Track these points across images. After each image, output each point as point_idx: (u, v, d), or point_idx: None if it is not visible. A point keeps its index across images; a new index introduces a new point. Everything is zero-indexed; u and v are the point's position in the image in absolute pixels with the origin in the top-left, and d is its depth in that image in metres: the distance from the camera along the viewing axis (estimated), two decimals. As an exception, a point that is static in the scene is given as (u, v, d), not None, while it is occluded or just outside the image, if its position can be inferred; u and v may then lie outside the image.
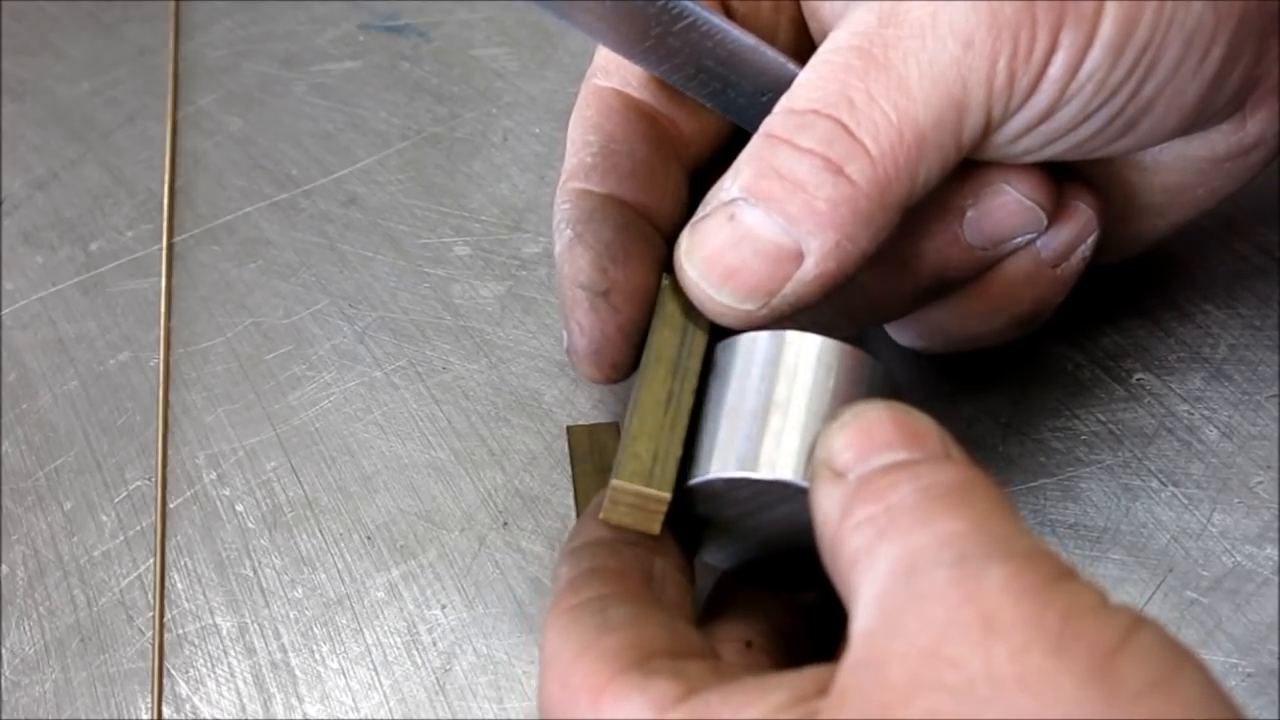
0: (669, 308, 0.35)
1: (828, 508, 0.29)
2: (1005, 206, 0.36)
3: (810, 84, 0.33)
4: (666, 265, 0.36)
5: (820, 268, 0.33)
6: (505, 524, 0.39)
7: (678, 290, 0.35)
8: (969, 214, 0.36)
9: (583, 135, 0.38)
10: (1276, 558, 0.36)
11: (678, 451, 0.32)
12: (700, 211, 0.34)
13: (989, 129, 0.33)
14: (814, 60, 0.34)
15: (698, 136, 0.38)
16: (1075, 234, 0.37)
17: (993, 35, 0.32)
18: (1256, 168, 0.37)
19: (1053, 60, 0.32)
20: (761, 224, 0.33)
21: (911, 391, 0.41)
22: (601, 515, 0.32)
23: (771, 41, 0.36)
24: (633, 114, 0.38)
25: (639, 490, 0.31)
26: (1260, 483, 0.38)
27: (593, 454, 0.39)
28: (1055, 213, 0.36)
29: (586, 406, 0.42)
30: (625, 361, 0.36)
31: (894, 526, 0.27)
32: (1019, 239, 0.36)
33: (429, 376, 0.43)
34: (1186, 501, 0.38)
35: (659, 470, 0.32)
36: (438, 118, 0.52)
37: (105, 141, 0.52)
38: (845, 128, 0.33)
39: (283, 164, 0.51)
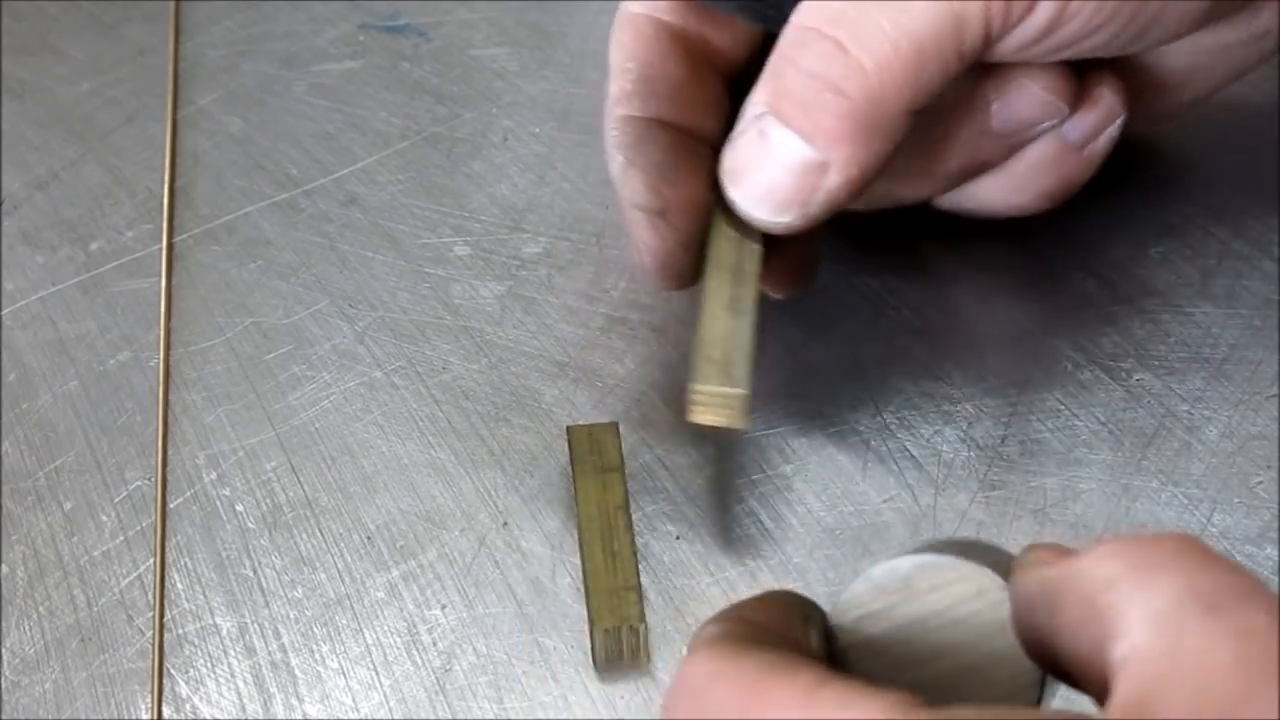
0: (721, 223, 0.38)
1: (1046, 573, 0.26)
2: (1027, 99, 0.38)
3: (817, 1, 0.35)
4: (715, 178, 0.38)
5: (843, 175, 0.35)
6: (505, 524, 0.39)
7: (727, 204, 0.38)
8: (994, 105, 0.38)
9: (621, 62, 0.40)
10: (1276, 558, 0.36)
11: (748, 348, 0.35)
12: (737, 127, 0.37)
13: (989, 40, 0.35)
14: None
15: (731, 47, 0.41)
16: (1099, 120, 0.39)
17: None
18: (1267, 54, 0.40)
19: None
20: (785, 140, 0.35)
21: (913, 391, 0.41)
22: (689, 417, 0.35)
23: None
24: (665, 37, 0.40)
25: (720, 391, 0.35)
26: (1260, 483, 0.38)
27: (593, 454, 0.39)
28: (1078, 101, 0.39)
29: (586, 406, 0.42)
30: (688, 271, 0.39)
31: (1148, 569, 0.24)
32: (1043, 125, 0.39)
33: (429, 376, 0.43)
34: (1186, 501, 0.38)
35: (735, 371, 0.35)
36: (438, 118, 0.52)
37: (105, 141, 0.52)
38: (842, 46, 0.34)
39: (283, 164, 0.51)
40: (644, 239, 0.38)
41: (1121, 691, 0.23)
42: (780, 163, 0.35)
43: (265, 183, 0.50)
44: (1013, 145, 0.40)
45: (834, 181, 0.35)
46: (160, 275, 0.47)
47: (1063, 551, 0.26)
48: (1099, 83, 0.39)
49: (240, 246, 0.48)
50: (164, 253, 0.47)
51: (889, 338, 0.42)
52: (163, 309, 0.46)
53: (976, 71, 0.37)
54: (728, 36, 0.40)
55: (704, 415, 0.35)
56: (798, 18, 0.36)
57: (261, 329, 0.45)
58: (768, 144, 0.36)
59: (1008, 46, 0.35)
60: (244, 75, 0.54)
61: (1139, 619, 0.24)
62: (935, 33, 0.34)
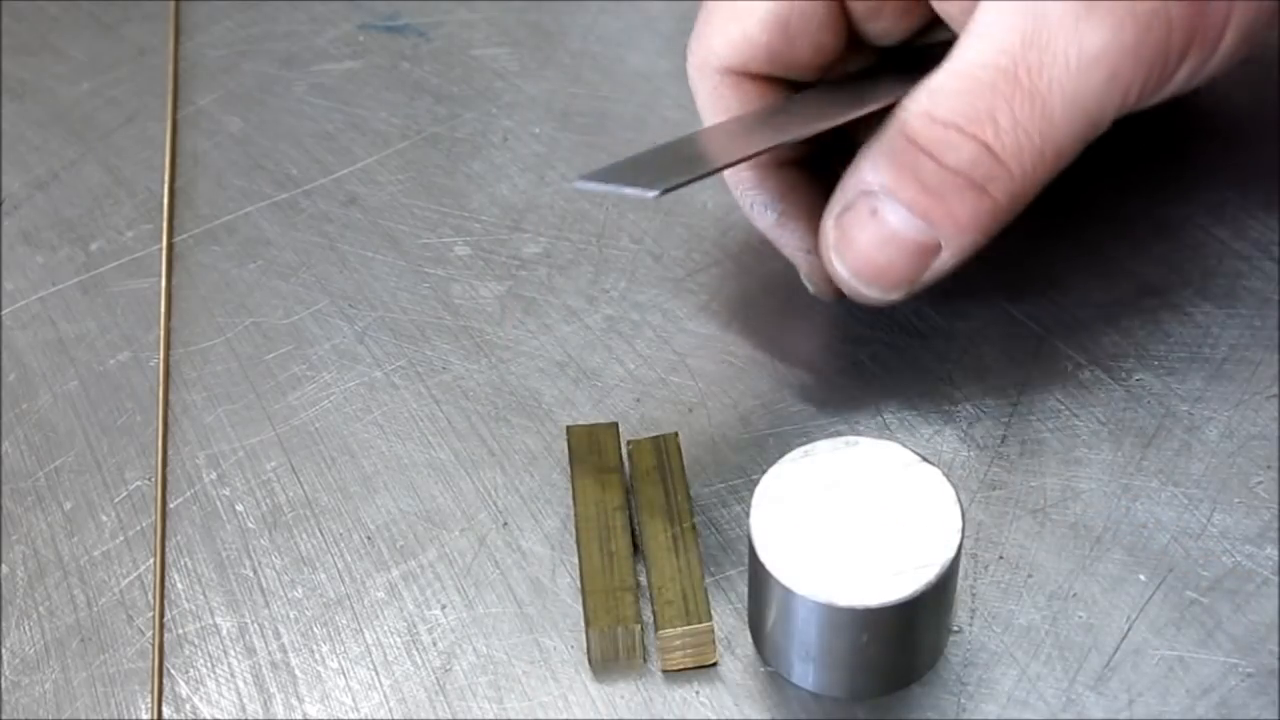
0: (644, 465, 0.38)
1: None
2: None
3: (955, 96, 0.35)
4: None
5: (956, 258, 0.37)
6: (505, 524, 0.39)
7: (641, 449, 0.39)
8: None
9: (722, 118, 0.40)
10: (1276, 558, 0.36)
11: (702, 583, 0.36)
12: (840, 199, 0.37)
13: (1110, 125, 0.37)
14: (954, 67, 0.36)
15: (798, 74, 0.41)
16: None
17: (1134, 66, 0.35)
18: None
19: (1178, 72, 0.36)
20: (905, 225, 0.36)
21: (913, 392, 0.41)
22: (661, 668, 0.35)
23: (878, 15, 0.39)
24: (749, 83, 0.40)
25: (685, 630, 0.35)
26: (1260, 483, 0.38)
27: (593, 454, 0.39)
28: None
29: (586, 406, 0.42)
30: None
31: None
32: None
33: (429, 376, 0.43)
34: (1186, 501, 0.38)
35: (693, 606, 0.35)
36: (438, 118, 0.52)
37: (105, 141, 0.52)
38: (990, 150, 0.35)
39: (283, 164, 0.51)
40: (819, 275, 0.40)
41: None
42: (895, 244, 0.36)
43: (265, 183, 0.50)
44: None
45: (946, 263, 0.37)
46: (160, 275, 0.47)
47: None
48: None
49: (240, 246, 0.48)
50: (164, 253, 0.47)
51: (889, 338, 0.42)
52: (163, 309, 0.46)
53: None
54: (798, 68, 0.40)
55: (675, 661, 0.35)
56: (930, 107, 0.36)
57: (261, 329, 0.45)
58: (884, 227, 0.36)
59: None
60: (244, 75, 0.54)
61: None
62: (1075, 139, 0.36)
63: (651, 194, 0.33)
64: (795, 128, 0.38)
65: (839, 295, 0.41)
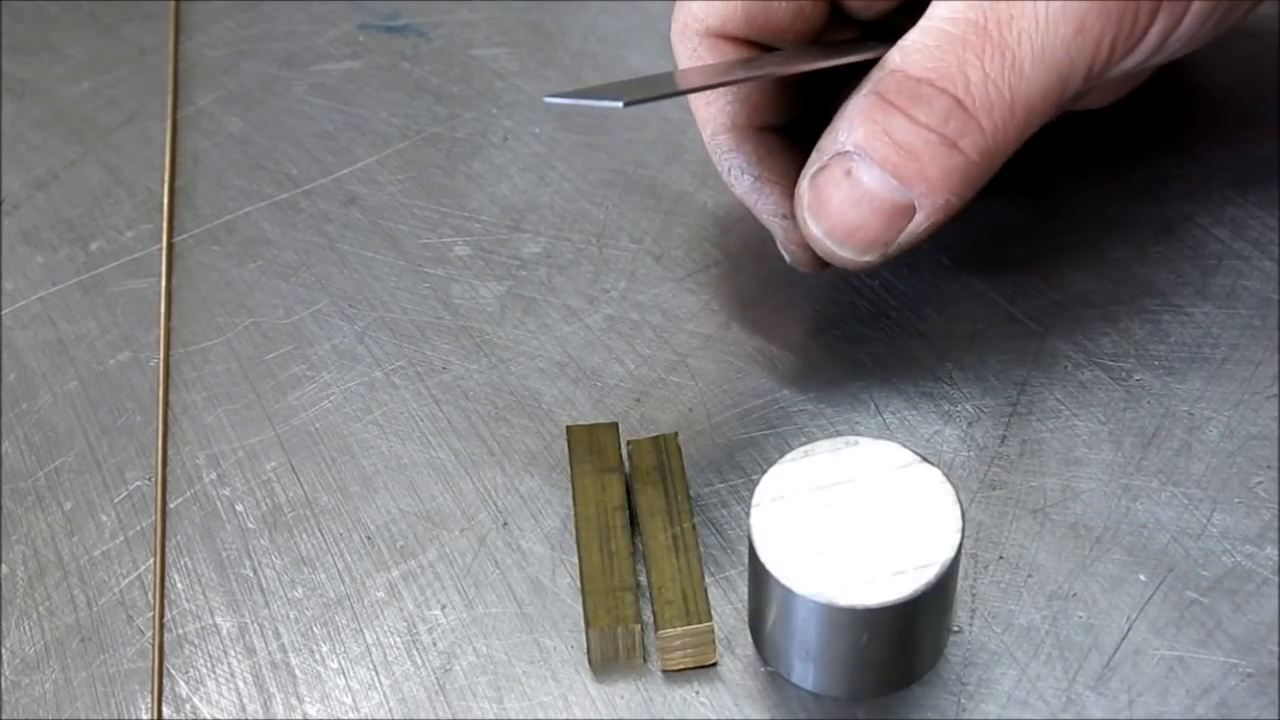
0: (644, 465, 0.38)
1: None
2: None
3: (926, 51, 0.36)
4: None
5: (930, 220, 0.36)
6: (505, 524, 0.39)
7: (641, 449, 0.39)
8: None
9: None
10: (1276, 558, 0.36)
11: (702, 583, 0.36)
12: (815, 160, 0.37)
13: (1084, 86, 0.37)
14: (927, 23, 0.36)
15: (784, 37, 0.40)
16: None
17: (1102, 19, 0.35)
18: None
19: (1150, 31, 0.36)
20: (877, 183, 0.36)
21: (913, 392, 0.41)
22: (661, 668, 0.35)
23: None
24: (731, 47, 0.40)
25: (685, 630, 0.35)
26: (1260, 483, 0.38)
27: (593, 454, 0.39)
28: None
29: (586, 406, 0.42)
30: None
31: None
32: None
33: (429, 376, 0.43)
34: (1186, 501, 0.38)
35: (693, 606, 0.35)
36: (438, 118, 0.52)
37: (105, 141, 0.52)
38: (961, 104, 0.35)
39: (283, 164, 0.51)
40: (795, 240, 0.40)
41: None
42: (869, 203, 0.36)
43: (265, 183, 0.50)
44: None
45: (920, 225, 0.36)
46: (160, 275, 0.47)
47: None
48: None
49: (240, 246, 0.48)
50: (164, 253, 0.47)
51: (889, 338, 0.42)
52: (163, 309, 0.46)
53: None
54: (778, 33, 0.40)
55: (675, 661, 0.35)
56: (901, 64, 0.36)
57: (261, 329, 0.45)
58: (857, 186, 0.36)
59: (1094, 83, 0.37)
60: (244, 75, 0.54)
61: None
62: (1045, 95, 0.35)
63: (618, 104, 0.33)
64: (768, 67, 0.38)
65: (817, 265, 0.41)
